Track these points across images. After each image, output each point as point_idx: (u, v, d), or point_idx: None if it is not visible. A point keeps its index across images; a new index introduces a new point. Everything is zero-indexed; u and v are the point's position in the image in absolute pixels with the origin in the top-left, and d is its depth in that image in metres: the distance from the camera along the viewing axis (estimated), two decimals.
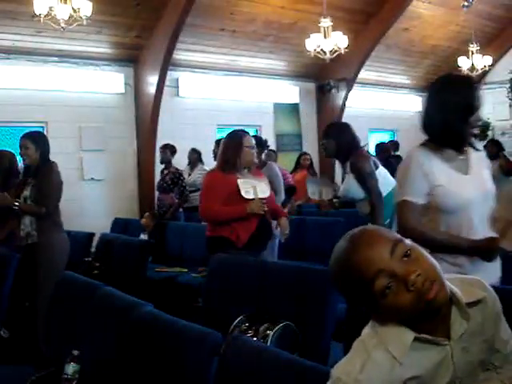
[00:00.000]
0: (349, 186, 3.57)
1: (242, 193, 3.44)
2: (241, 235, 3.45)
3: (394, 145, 8.79)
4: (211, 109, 8.34)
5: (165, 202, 6.78)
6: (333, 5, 7.50)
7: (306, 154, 7.88)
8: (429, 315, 1.15)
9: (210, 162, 5.77)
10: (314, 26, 7.30)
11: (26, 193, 3.81)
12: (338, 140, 3.63)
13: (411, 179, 2.08)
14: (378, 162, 3.71)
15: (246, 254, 3.36)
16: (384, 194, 3.46)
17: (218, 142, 5.72)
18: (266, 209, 3.49)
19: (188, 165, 7.17)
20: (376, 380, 1.15)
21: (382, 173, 3.61)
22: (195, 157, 7.08)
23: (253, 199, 3.44)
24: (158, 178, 7.11)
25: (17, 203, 3.73)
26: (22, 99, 6.70)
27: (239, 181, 3.49)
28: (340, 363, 1.19)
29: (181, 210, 6.92)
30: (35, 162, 3.84)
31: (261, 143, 5.47)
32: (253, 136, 5.79)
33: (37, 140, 3.88)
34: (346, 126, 3.78)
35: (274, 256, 4.28)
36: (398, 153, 8.33)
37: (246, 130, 3.95)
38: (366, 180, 3.48)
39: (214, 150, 5.64)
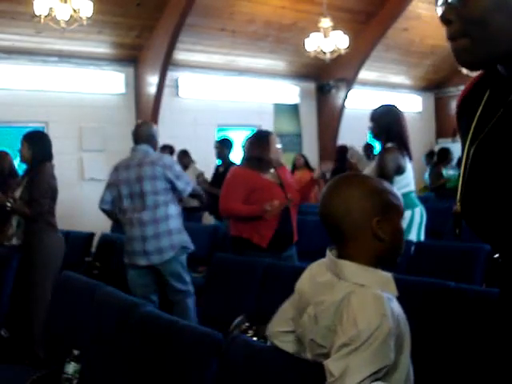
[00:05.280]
0: (366, 172, 3.52)
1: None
2: (264, 234, 3.38)
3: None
4: (211, 109, 8.34)
5: None
6: (333, 5, 7.51)
7: (298, 155, 8.19)
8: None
9: (210, 162, 5.76)
10: (314, 25, 7.31)
11: (17, 193, 3.71)
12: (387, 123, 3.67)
13: None
14: (407, 164, 3.50)
15: (267, 256, 3.28)
16: (400, 191, 3.37)
17: (220, 142, 5.72)
18: (289, 196, 3.46)
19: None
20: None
21: (406, 177, 3.50)
22: (186, 159, 6.92)
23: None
24: None
25: (9, 203, 3.59)
26: (22, 99, 6.70)
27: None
28: (362, 319, 1.21)
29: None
30: (28, 161, 3.74)
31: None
32: (257, 131, 5.80)
33: (32, 139, 3.75)
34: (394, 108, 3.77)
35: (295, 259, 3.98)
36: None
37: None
38: (382, 177, 3.42)
39: (217, 151, 5.62)
